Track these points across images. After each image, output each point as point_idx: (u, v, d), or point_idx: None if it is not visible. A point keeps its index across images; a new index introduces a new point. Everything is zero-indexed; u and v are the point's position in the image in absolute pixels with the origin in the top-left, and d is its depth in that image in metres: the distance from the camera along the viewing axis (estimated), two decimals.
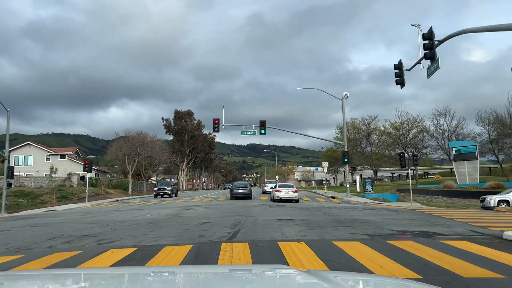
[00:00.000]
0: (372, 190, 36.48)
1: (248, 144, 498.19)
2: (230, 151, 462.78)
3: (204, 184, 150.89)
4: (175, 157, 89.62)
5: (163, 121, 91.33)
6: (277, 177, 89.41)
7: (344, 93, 34.40)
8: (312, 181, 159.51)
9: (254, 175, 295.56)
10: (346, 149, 33.97)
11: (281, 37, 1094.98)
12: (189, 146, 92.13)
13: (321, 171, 70.03)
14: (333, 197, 33.72)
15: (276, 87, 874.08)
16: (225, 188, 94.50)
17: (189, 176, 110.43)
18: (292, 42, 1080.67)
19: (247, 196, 30.69)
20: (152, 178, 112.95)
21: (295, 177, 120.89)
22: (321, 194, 39.74)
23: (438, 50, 13.73)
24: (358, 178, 39.51)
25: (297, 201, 26.84)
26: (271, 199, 28.61)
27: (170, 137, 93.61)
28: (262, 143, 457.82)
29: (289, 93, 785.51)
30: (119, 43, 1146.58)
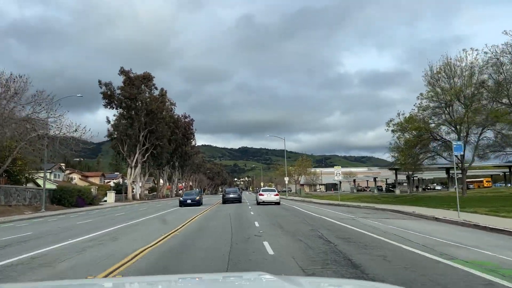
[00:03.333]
0: None
1: (239, 148, 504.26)
2: (221, 154, 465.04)
3: (183, 189, 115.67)
4: (118, 146, 54.67)
5: (100, 86, 55.80)
6: (286, 178, 55.05)
7: None
8: (319, 185, 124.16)
9: (246, 178, 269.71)
10: None
11: (272, 40, 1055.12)
12: (145, 127, 57.09)
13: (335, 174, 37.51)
14: None
15: (267, 90, 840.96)
16: (181, 203, 33.18)
17: (151, 175, 75.38)
18: (283, 44, 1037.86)
19: (237, 200, 35.34)
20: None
21: (329, 179, 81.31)
22: None
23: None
24: None
25: (278, 203, 30.68)
26: (257, 203, 32.01)
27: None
28: (254, 147, 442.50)
29: (280, 97, 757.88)
30: (106, 43, 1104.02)
